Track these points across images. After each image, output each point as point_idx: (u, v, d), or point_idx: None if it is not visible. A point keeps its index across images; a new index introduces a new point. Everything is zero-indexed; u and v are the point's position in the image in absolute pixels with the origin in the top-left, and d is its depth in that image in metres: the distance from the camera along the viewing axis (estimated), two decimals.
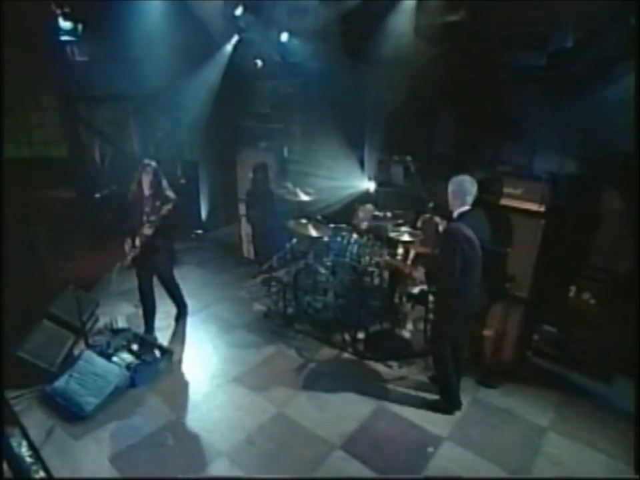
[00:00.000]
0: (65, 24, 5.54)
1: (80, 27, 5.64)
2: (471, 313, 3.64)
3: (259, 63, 6.33)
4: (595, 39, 3.92)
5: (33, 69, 6.10)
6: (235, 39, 6.16)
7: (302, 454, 3.37)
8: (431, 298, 4.29)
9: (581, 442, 3.51)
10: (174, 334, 4.85)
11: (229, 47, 6.25)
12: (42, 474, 2.93)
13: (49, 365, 3.98)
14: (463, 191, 3.44)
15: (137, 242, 4.29)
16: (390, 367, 4.34)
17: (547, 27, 4.07)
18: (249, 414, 3.75)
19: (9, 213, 4.53)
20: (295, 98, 6.38)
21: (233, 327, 4.99)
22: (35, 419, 3.57)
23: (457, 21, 4.45)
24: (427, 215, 4.26)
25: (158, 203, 4.22)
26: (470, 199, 3.46)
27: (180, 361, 4.42)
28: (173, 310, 5.01)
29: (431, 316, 4.30)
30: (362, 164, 5.59)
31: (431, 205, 4.15)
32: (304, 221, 4.89)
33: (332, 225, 5.02)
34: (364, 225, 4.97)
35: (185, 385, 4.12)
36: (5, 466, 2.69)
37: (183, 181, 7.17)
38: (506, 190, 3.92)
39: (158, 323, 4.82)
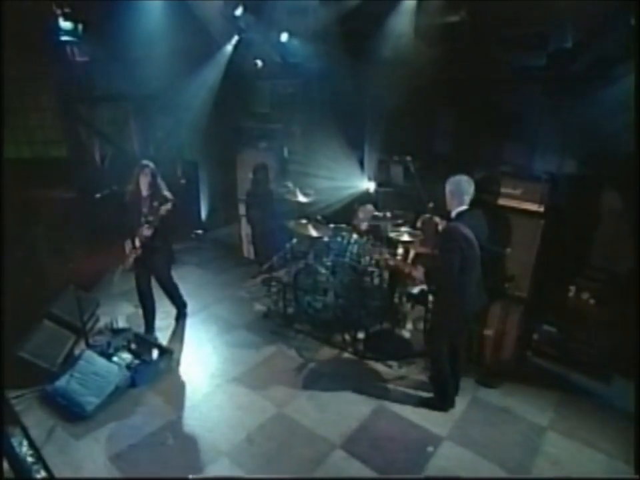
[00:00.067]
0: (65, 24, 5.55)
1: (80, 27, 5.64)
2: (470, 312, 3.65)
3: (259, 63, 6.34)
4: (594, 39, 3.93)
5: (33, 69, 6.10)
6: (235, 39, 6.17)
7: (302, 453, 3.38)
8: (430, 298, 4.30)
9: (580, 441, 3.52)
10: (174, 334, 4.85)
11: (229, 47, 6.26)
12: (43, 473, 2.93)
13: (49, 365, 3.99)
14: (461, 190, 3.46)
15: (137, 243, 4.29)
16: (390, 366, 4.35)
17: (546, 27, 4.07)
18: (249, 413, 3.76)
19: (9, 213, 4.53)
20: (295, 98, 6.39)
21: (233, 327, 5.00)
22: (36, 419, 3.58)
23: (456, 22, 4.46)
24: (427, 215, 4.26)
25: (156, 204, 4.22)
26: (468, 198, 3.47)
27: (180, 361, 4.43)
28: (173, 310, 5.02)
29: (429, 315, 4.31)
30: (362, 164, 5.60)
31: (430, 205, 4.16)
32: (304, 221, 4.90)
33: (332, 225, 5.02)
34: (364, 226, 4.98)
35: (185, 384, 4.13)
36: (6, 466, 2.71)
37: (183, 181, 7.18)
38: (505, 190, 3.93)
39: (158, 322, 4.83)
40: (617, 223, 4.16)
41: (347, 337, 4.73)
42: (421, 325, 4.76)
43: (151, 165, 4.30)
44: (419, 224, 4.49)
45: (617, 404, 3.84)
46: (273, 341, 4.73)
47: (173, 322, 4.99)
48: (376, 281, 4.84)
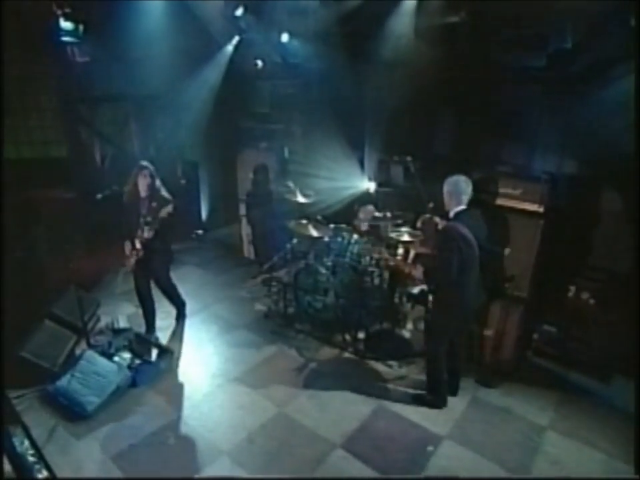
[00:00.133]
0: (65, 24, 5.54)
1: (81, 27, 5.63)
2: (469, 312, 3.66)
3: (260, 63, 6.34)
4: (594, 40, 3.93)
5: (34, 69, 6.09)
6: (236, 39, 6.18)
7: (303, 453, 3.39)
8: (430, 297, 4.31)
9: (580, 441, 3.53)
10: (175, 334, 4.86)
11: (229, 48, 6.27)
12: (44, 473, 2.94)
13: (51, 365, 4.00)
14: (459, 190, 3.48)
15: (137, 245, 4.29)
16: (390, 366, 4.36)
17: (546, 27, 4.09)
18: (250, 413, 3.77)
19: (9, 213, 4.53)
20: (295, 98, 6.39)
21: (234, 327, 5.01)
22: (37, 418, 3.58)
23: (456, 22, 4.47)
24: (427, 215, 4.27)
25: (154, 204, 4.22)
26: (465, 198, 3.49)
27: (181, 361, 4.44)
28: (174, 310, 5.02)
29: (428, 314, 4.32)
30: (362, 164, 5.60)
31: (430, 205, 4.16)
32: (304, 221, 4.91)
33: (332, 225, 5.03)
34: (364, 226, 4.99)
35: (186, 384, 4.14)
36: (6, 466, 2.72)
37: (183, 181, 7.19)
38: (505, 190, 3.94)
39: (159, 322, 4.83)
40: (617, 223, 4.17)
41: (348, 336, 4.74)
42: (421, 325, 4.77)
43: (150, 166, 4.28)
44: (419, 224, 4.49)
45: (616, 404, 3.85)
46: (273, 341, 4.74)
47: (173, 322, 4.99)
48: (376, 281, 4.85)
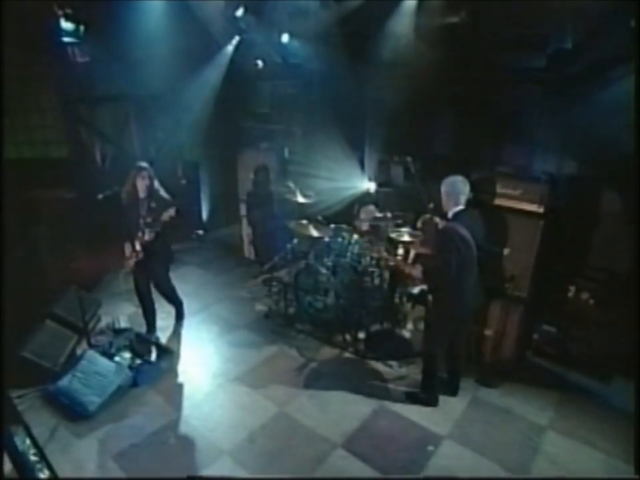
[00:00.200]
0: (66, 25, 5.55)
1: (82, 28, 5.65)
2: (468, 312, 3.67)
3: (260, 63, 6.34)
4: (594, 41, 3.94)
5: (34, 69, 6.10)
6: (236, 39, 6.17)
7: (303, 453, 3.40)
8: (429, 297, 4.32)
9: (579, 441, 3.54)
10: (175, 334, 4.88)
11: (229, 48, 6.26)
12: (46, 472, 2.95)
13: (52, 365, 4.01)
14: (456, 191, 3.50)
15: (137, 246, 4.29)
16: (390, 366, 4.38)
17: (546, 28, 4.09)
18: (251, 413, 3.78)
19: (10, 213, 4.54)
20: (295, 99, 6.39)
21: (234, 327, 5.02)
22: (38, 418, 3.60)
23: (457, 23, 4.47)
24: (427, 216, 4.28)
25: (153, 205, 4.23)
26: (463, 198, 3.51)
27: (182, 361, 4.45)
28: (174, 310, 5.02)
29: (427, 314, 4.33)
30: (362, 165, 5.60)
31: (431, 205, 4.17)
32: (305, 221, 4.92)
33: (333, 226, 5.04)
34: (365, 226, 5.00)
35: (186, 384, 4.15)
36: (6, 467, 2.73)
37: (183, 181, 7.18)
38: (505, 190, 3.96)
39: (159, 322, 4.85)
40: (617, 223, 4.18)
41: (348, 336, 4.75)
42: (421, 325, 4.77)
43: (148, 167, 4.26)
44: (419, 224, 4.50)
45: (616, 403, 3.86)
46: (274, 341, 4.75)
47: (174, 322, 5.00)
48: (376, 281, 4.86)
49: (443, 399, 3.95)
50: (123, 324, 4.83)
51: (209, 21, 5.97)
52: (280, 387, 4.09)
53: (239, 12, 5.56)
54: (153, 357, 4.27)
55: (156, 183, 4.31)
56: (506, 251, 3.98)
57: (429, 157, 5.05)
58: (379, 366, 4.39)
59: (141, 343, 4.40)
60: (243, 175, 6.40)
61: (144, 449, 3.42)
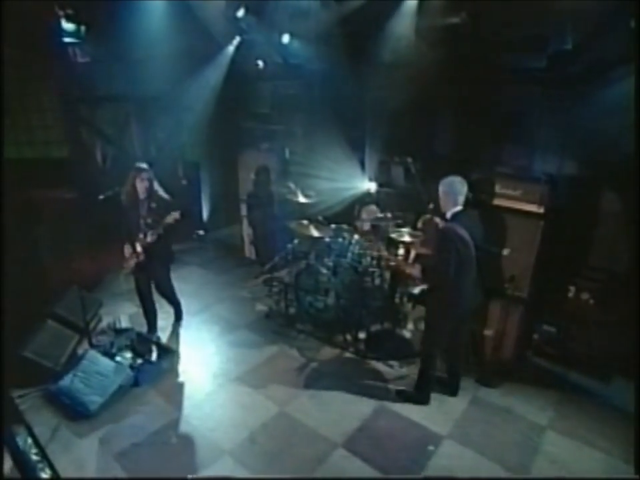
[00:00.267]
0: (67, 25, 5.57)
1: (83, 28, 5.66)
2: (466, 312, 3.68)
3: (261, 64, 6.35)
4: (594, 41, 3.95)
5: (35, 69, 6.10)
6: (237, 40, 6.18)
7: (304, 452, 3.41)
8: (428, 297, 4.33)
9: (579, 440, 3.55)
10: (176, 334, 4.88)
11: (230, 48, 6.27)
12: (48, 471, 2.96)
13: (53, 365, 4.03)
14: (455, 191, 3.51)
15: (138, 248, 4.29)
16: (391, 366, 4.39)
17: (546, 28, 4.10)
18: (252, 413, 3.79)
19: (11, 213, 4.54)
20: (296, 99, 6.40)
21: (235, 327, 5.03)
22: (40, 418, 3.61)
23: (457, 23, 4.47)
24: (427, 216, 4.29)
25: (153, 205, 4.23)
26: (461, 199, 3.52)
27: (183, 361, 4.46)
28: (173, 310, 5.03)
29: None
30: (363, 165, 5.61)
31: (431, 205, 4.19)
32: (305, 221, 4.93)
33: (333, 226, 5.05)
34: (366, 226, 5.01)
35: (187, 384, 4.16)
36: (6, 467, 2.74)
37: (184, 181, 7.20)
38: (506, 191, 3.97)
39: (160, 322, 4.86)
40: (617, 223, 4.19)
41: (348, 336, 4.76)
42: (421, 325, 4.77)
43: (147, 168, 4.24)
44: (419, 224, 4.52)
45: (616, 403, 3.87)
46: (274, 341, 4.76)
47: (177, 322, 5.01)
48: (377, 281, 4.88)
49: (443, 398, 3.96)
50: (124, 324, 4.84)
51: (209, 21, 5.98)
52: (280, 386, 4.10)
53: (240, 12, 5.57)
54: (154, 356, 4.27)
55: (155, 184, 4.31)
56: (506, 251, 3.99)
57: (429, 158, 5.06)
58: (379, 366, 4.40)
59: (142, 342, 4.41)
60: (243, 175, 6.41)
61: (145, 449, 3.43)
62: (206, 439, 3.53)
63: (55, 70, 6.23)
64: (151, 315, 4.74)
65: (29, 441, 3.13)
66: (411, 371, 4.30)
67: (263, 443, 3.50)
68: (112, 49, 6.23)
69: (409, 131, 5.16)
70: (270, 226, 6.10)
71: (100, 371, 3.89)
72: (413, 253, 4.58)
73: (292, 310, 5.15)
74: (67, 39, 5.75)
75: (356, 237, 4.93)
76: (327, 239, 4.95)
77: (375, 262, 4.82)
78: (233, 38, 6.19)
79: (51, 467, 3.02)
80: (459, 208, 3.52)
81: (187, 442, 3.51)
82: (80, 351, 4.35)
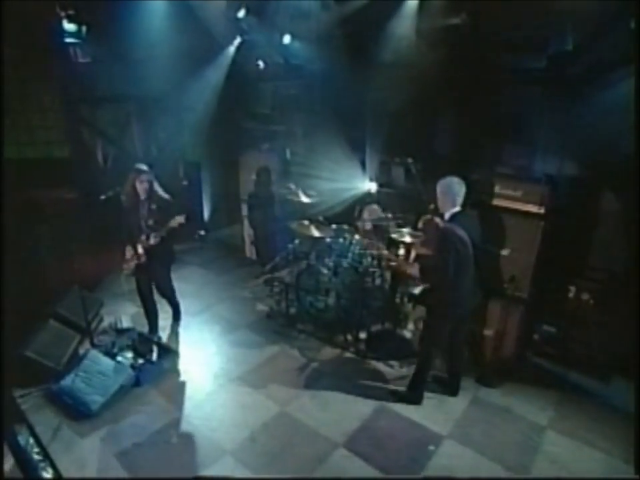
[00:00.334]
0: (69, 26, 5.58)
1: (84, 29, 5.68)
2: (465, 312, 3.69)
3: (262, 64, 6.37)
4: (594, 42, 3.96)
5: (37, 70, 6.11)
6: (238, 40, 6.20)
7: (305, 452, 3.42)
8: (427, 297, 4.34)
9: (579, 440, 3.55)
10: (177, 334, 4.89)
11: (231, 49, 6.29)
12: (49, 471, 2.97)
13: (55, 364, 4.04)
14: (453, 192, 3.52)
15: (140, 250, 4.29)
16: (391, 366, 4.39)
17: (547, 29, 4.11)
18: (252, 412, 3.80)
19: (12, 213, 4.55)
20: (297, 100, 6.41)
21: (236, 327, 5.04)
22: (42, 417, 3.62)
23: (458, 24, 4.49)
24: (428, 216, 4.30)
25: (154, 207, 4.24)
26: (460, 199, 3.53)
27: (184, 361, 4.46)
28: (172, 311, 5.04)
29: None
30: (363, 165, 5.62)
31: (431, 206, 4.20)
32: (306, 222, 4.94)
33: (334, 226, 5.06)
34: (368, 226, 5.02)
35: (188, 384, 4.17)
36: (7, 466, 2.75)
37: (185, 182, 7.21)
38: (506, 191, 3.97)
39: (161, 322, 4.86)
40: (617, 223, 4.20)
41: (349, 336, 4.77)
42: (422, 325, 4.79)
43: (147, 170, 4.22)
44: (420, 225, 4.52)
45: (616, 403, 3.87)
46: (275, 341, 4.77)
47: (174, 322, 5.02)
48: (377, 281, 4.89)
49: (443, 398, 3.97)
50: (126, 324, 4.85)
51: (210, 21, 6.00)
52: (281, 386, 4.11)
53: (241, 13, 5.59)
54: (155, 356, 4.28)
55: (155, 184, 4.31)
56: (506, 252, 4.00)
57: (429, 158, 5.07)
58: (380, 366, 4.41)
59: (143, 342, 4.42)
60: (244, 175, 6.42)
61: (146, 448, 3.44)
62: (207, 438, 3.54)
63: (56, 70, 6.24)
64: (152, 316, 4.75)
65: (31, 440, 3.14)
66: (411, 371, 4.28)
67: (263, 443, 3.51)
68: (113, 49, 6.24)
69: (409, 132, 5.17)
70: (271, 226, 6.11)
71: (101, 370, 3.90)
72: (413, 253, 4.59)
73: (293, 310, 5.16)
74: (68, 39, 5.77)
75: (356, 237, 4.94)
76: (328, 239, 4.96)
77: (375, 262, 4.83)
78: (233, 38, 6.21)
79: (53, 466, 3.03)
80: (457, 209, 3.53)
81: (188, 441, 3.52)
82: (81, 351, 4.36)
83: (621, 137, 3.84)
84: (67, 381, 3.84)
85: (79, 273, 4.67)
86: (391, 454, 3.42)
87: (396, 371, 4.33)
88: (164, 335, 4.81)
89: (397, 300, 5.01)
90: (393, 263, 4.44)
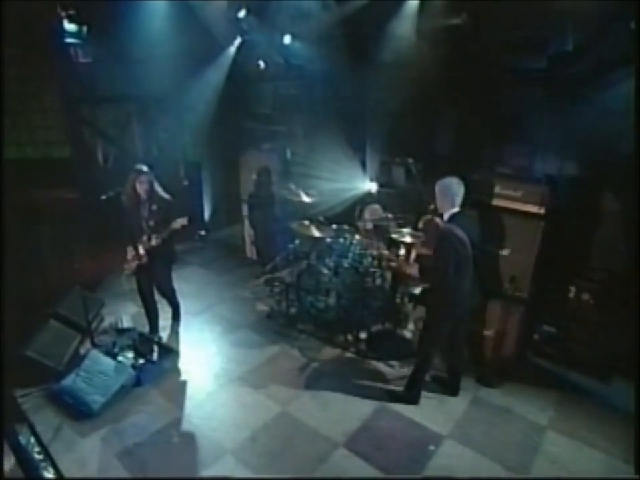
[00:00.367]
0: (69, 26, 5.59)
1: (85, 29, 5.68)
2: (463, 312, 3.70)
3: (262, 64, 6.37)
4: (595, 42, 3.96)
5: (37, 69, 6.12)
6: (238, 40, 6.20)
7: (305, 452, 3.43)
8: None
9: (580, 440, 3.56)
10: (178, 334, 4.89)
11: (232, 49, 6.28)
12: (51, 470, 2.98)
13: (56, 364, 4.04)
14: (452, 192, 3.52)
15: (141, 251, 4.30)
16: (392, 366, 4.40)
17: (547, 29, 4.11)
18: (253, 412, 3.81)
19: (13, 213, 4.56)
20: (297, 100, 6.42)
21: (237, 327, 5.05)
22: (43, 417, 3.63)
23: (458, 24, 4.49)
24: (428, 216, 4.31)
25: (154, 207, 4.25)
26: (459, 200, 3.53)
27: (184, 360, 4.47)
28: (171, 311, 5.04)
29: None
30: (364, 165, 5.63)
31: (432, 206, 4.20)
32: (306, 222, 4.94)
33: (334, 226, 5.06)
34: (369, 225, 5.02)
35: (189, 383, 4.18)
36: (8, 466, 2.76)
37: (185, 182, 7.21)
38: (506, 192, 3.98)
39: (162, 322, 4.87)
40: (617, 224, 4.20)
41: (349, 336, 4.77)
42: (422, 325, 4.80)
43: (147, 171, 4.21)
44: (420, 225, 4.53)
45: (616, 404, 3.88)
46: (276, 341, 4.77)
47: (175, 322, 5.02)
48: (378, 281, 4.89)
49: (443, 398, 3.98)
50: (126, 324, 4.86)
51: (211, 22, 6.00)
52: (282, 386, 4.11)
53: (241, 13, 5.59)
54: (156, 356, 4.29)
55: (156, 185, 4.31)
56: (506, 252, 4.01)
57: (430, 158, 5.08)
58: (380, 366, 4.42)
59: (144, 342, 4.42)
60: (245, 175, 6.43)
61: (147, 448, 3.45)
62: (208, 438, 3.54)
63: (57, 70, 6.24)
64: (152, 316, 4.76)
65: (32, 439, 3.15)
66: (411, 371, 4.31)
67: (264, 443, 3.51)
68: (114, 50, 6.25)
69: (410, 132, 5.18)
70: (271, 226, 6.11)
71: (102, 370, 3.91)
72: (414, 253, 4.59)
73: (293, 310, 5.17)
74: (68, 40, 5.77)
75: (357, 237, 4.95)
76: (328, 239, 4.96)
77: (376, 262, 4.83)
78: (234, 38, 6.21)
79: (54, 465, 3.04)
80: (456, 209, 3.53)
81: (189, 441, 3.53)
82: (82, 351, 4.37)
83: (621, 137, 3.84)
84: (67, 381, 3.85)
85: (80, 273, 4.69)
86: (391, 454, 3.43)
87: (396, 371, 4.33)
88: (164, 334, 4.82)
89: (398, 300, 5.02)
90: (393, 264, 4.44)
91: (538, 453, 3.45)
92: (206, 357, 4.54)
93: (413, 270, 3.91)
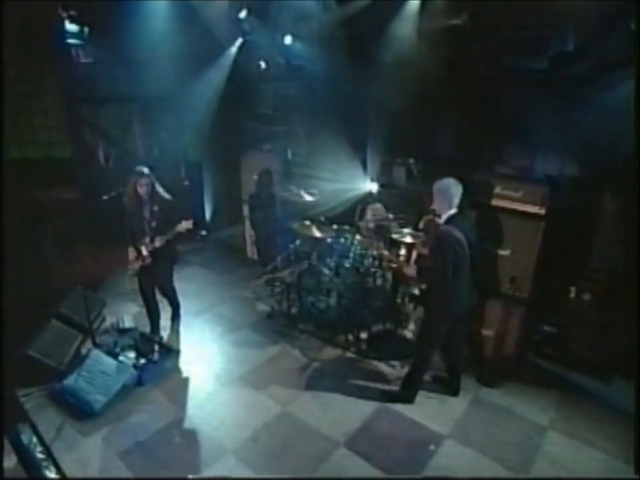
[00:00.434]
0: (71, 27, 5.60)
1: (86, 29, 5.70)
2: (461, 313, 3.70)
3: (263, 65, 6.38)
4: (595, 43, 3.96)
5: (38, 70, 6.13)
6: (239, 41, 6.21)
7: (306, 451, 3.44)
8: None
9: (580, 440, 3.56)
10: (179, 334, 4.91)
11: (233, 50, 6.30)
12: (53, 470, 2.99)
13: (57, 364, 4.05)
14: (450, 193, 3.51)
15: (144, 252, 4.31)
16: (392, 366, 4.41)
17: (548, 30, 4.12)
18: (254, 412, 3.82)
19: (15, 213, 4.57)
20: (298, 100, 6.42)
21: (237, 327, 5.06)
22: (44, 416, 3.64)
23: (459, 25, 4.50)
24: (429, 217, 4.31)
25: (156, 208, 4.26)
26: (456, 201, 3.52)
27: (185, 360, 4.48)
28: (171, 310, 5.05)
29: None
30: (365, 166, 5.63)
31: (432, 206, 4.21)
32: (307, 222, 4.95)
33: (335, 226, 5.07)
34: (371, 225, 5.03)
35: (190, 383, 4.19)
36: (9, 465, 2.77)
37: (186, 182, 7.22)
38: (507, 192, 3.98)
39: (163, 322, 4.88)
40: (617, 224, 4.21)
41: (350, 337, 4.78)
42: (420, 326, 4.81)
43: (147, 173, 4.21)
44: (421, 225, 4.54)
45: (616, 404, 3.88)
46: (276, 341, 4.78)
47: (175, 322, 5.03)
48: (379, 281, 4.90)
49: (444, 398, 3.99)
50: (128, 323, 4.86)
51: (212, 22, 6.01)
52: (283, 386, 4.12)
53: (243, 14, 5.60)
54: (157, 356, 4.29)
55: (157, 185, 4.31)
56: (506, 252, 4.01)
57: (431, 159, 5.08)
58: (381, 366, 4.42)
59: (146, 342, 4.43)
60: (246, 176, 6.43)
61: (149, 447, 3.46)
62: (209, 437, 3.56)
63: (58, 70, 6.25)
64: (154, 316, 4.77)
65: (34, 439, 3.15)
66: None
67: (265, 442, 3.52)
68: (115, 50, 6.26)
69: (410, 132, 5.18)
70: (272, 226, 6.12)
71: (104, 370, 3.92)
72: (414, 254, 4.60)
73: (294, 310, 5.17)
74: (70, 40, 5.79)
75: (358, 237, 4.95)
76: (329, 240, 4.97)
77: (376, 262, 4.84)
78: (235, 39, 6.22)
79: (56, 465, 3.04)
80: (454, 211, 3.52)
81: (190, 441, 3.54)
82: (84, 351, 4.37)
83: (621, 137, 3.85)
84: (69, 381, 3.86)
85: (82, 273, 4.70)
86: (392, 453, 3.44)
87: (397, 371, 4.34)
88: (166, 334, 4.83)
89: (398, 300, 5.03)
90: (394, 265, 4.45)
91: (538, 453, 3.46)
92: (207, 356, 4.55)
93: (412, 271, 3.91)
